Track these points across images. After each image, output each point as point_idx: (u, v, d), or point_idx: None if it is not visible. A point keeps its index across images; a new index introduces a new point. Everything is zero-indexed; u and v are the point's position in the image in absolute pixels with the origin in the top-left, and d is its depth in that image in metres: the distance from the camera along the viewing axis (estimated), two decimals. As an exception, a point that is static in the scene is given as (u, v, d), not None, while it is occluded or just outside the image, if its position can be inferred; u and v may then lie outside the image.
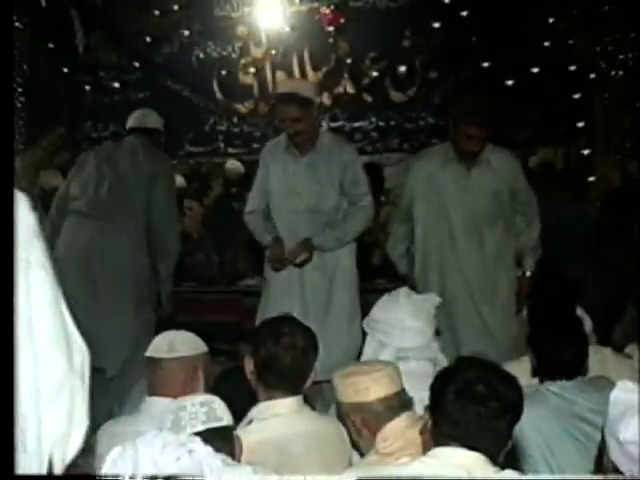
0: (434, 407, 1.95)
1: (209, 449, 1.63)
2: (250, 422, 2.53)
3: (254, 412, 2.55)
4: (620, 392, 1.71)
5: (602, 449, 1.72)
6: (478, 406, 1.87)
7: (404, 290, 2.88)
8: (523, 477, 2.30)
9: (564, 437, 2.79)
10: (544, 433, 2.75)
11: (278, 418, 2.51)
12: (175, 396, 2.65)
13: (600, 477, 1.77)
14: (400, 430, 2.25)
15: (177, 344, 2.81)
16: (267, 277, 4.15)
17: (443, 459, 1.89)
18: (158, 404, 2.66)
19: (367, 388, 2.31)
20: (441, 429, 1.92)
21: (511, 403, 1.89)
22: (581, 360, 2.93)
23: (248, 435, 2.45)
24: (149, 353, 2.81)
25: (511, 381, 1.94)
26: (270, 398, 2.54)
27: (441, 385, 1.94)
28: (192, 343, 2.84)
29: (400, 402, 2.37)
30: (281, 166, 4.09)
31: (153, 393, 2.78)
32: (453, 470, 1.85)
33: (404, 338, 2.75)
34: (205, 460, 1.56)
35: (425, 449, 1.99)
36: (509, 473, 1.96)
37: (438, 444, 1.92)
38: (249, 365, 2.59)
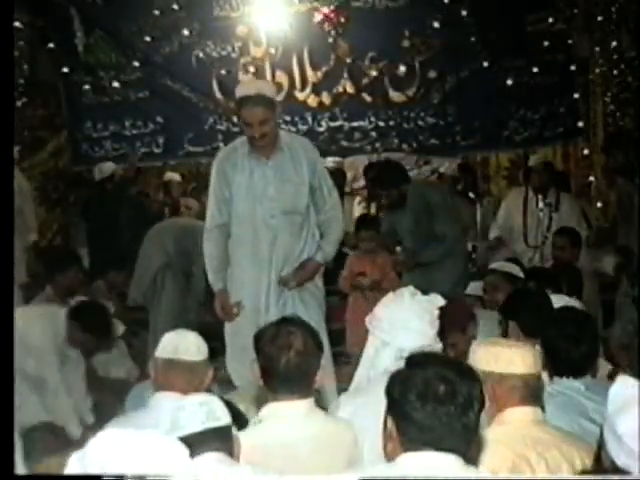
0: (397, 413, 1.88)
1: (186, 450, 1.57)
2: (259, 422, 2.52)
3: (264, 412, 2.53)
4: (620, 387, 1.70)
5: (601, 444, 1.71)
6: (446, 406, 1.81)
7: (409, 289, 2.84)
8: (522, 477, 2.30)
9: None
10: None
11: (287, 420, 2.49)
12: (187, 393, 2.67)
13: (600, 477, 1.76)
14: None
15: (202, 346, 2.86)
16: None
17: (416, 465, 1.83)
18: (168, 399, 2.67)
19: (510, 360, 2.28)
20: (409, 435, 1.85)
21: (474, 394, 1.84)
22: (591, 358, 2.93)
23: (257, 435, 2.45)
24: (175, 355, 2.82)
25: (468, 372, 1.90)
26: (278, 400, 2.52)
27: (400, 390, 1.87)
28: (205, 345, 2.90)
29: (535, 387, 2.40)
30: (245, 173, 3.99)
31: (164, 390, 2.79)
32: (429, 474, 1.81)
33: (406, 338, 2.73)
34: (177, 460, 1.51)
35: (390, 457, 1.92)
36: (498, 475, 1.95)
37: (407, 449, 1.85)
38: (255, 371, 2.57)
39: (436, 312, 2.79)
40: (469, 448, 1.86)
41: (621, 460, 1.57)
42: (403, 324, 2.74)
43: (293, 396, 2.51)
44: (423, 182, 5.98)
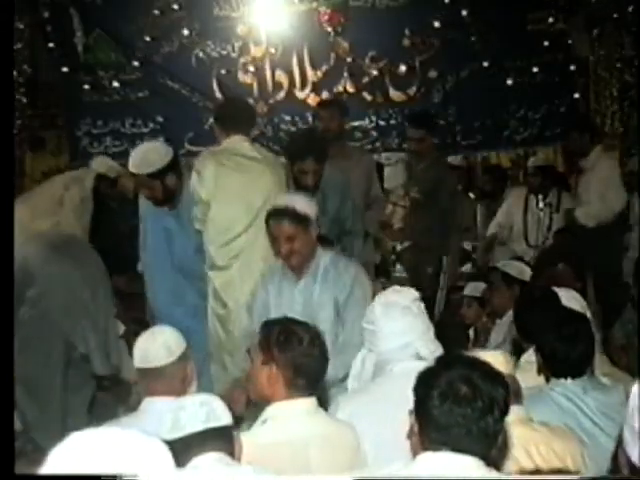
0: (419, 411, 1.91)
1: (152, 443, 1.53)
2: (265, 422, 2.52)
3: (269, 412, 2.53)
4: None
5: (619, 443, 1.72)
6: (464, 408, 1.83)
7: (381, 294, 2.92)
8: (522, 477, 2.31)
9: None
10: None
11: (294, 419, 2.50)
12: (176, 393, 2.66)
13: (593, 476, 1.79)
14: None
15: (172, 345, 2.82)
16: None
17: (433, 465, 1.85)
18: (158, 403, 2.67)
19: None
20: (428, 434, 1.87)
21: (497, 400, 1.85)
22: (588, 358, 2.94)
23: (262, 435, 2.46)
24: (145, 364, 2.81)
25: (494, 377, 1.90)
26: (288, 398, 2.52)
27: (424, 388, 1.90)
28: (179, 338, 2.87)
29: (513, 387, 2.41)
30: (276, 292, 3.73)
31: (152, 394, 2.78)
32: (446, 474, 1.81)
33: (381, 342, 2.78)
34: (141, 455, 1.48)
35: (413, 454, 1.95)
36: (503, 475, 1.96)
37: (426, 449, 1.88)
38: (273, 373, 2.53)
39: (410, 305, 2.79)
40: (488, 453, 1.86)
41: (635, 456, 1.59)
42: (376, 329, 2.80)
43: (304, 394, 2.52)
44: None
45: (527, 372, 3.10)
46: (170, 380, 2.77)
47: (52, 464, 1.41)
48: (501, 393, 1.87)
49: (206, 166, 4.19)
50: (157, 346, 2.80)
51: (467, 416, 1.82)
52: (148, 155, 4.31)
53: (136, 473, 1.34)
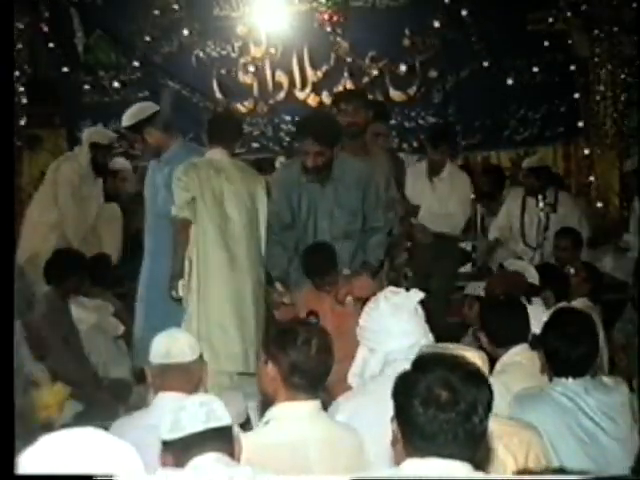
0: (401, 418, 1.85)
1: (123, 445, 1.52)
2: (267, 422, 2.51)
3: (272, 412, 2.52)
4: None
5: None
6: (448, 413, 1.78)
7: (384, 292, 2.90)
8: (519, 477, 2.31)
9: (567, 435, 2.82)
10: (548, 432, 2.75)
11: (297, 421, 2.49)
12: (189, 393, 2.67)
13: (590, 477, 1.78)
14: None
15: (194, 344, 2.91)
16: None
17: (420, 471, 1.81)
18: (171, 398, 2.68)
19: None
20: (413, 442, 1.82)
21: (479, 399, 1.81)
22: (590, 359, 2.95)
23: (264, 436, 2.45)
24: (168, 360, 2.83)
25: (474, 376, 1.85)
26: (291, 399, 2.51)
27: (404, 395, 1.84)
28: (196, 341, 2.96)
29: None
30: None
31: (166, 390, 2.80)
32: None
33: (389, 341, 2.77)
34: (110, 457, 1.46)
35: (397, 461, 1.91)
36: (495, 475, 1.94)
37: (411, 455, 1.83)
38: (271, 371, 2.53)
39: (413, 307, 2.81)
40: (475, 454, 1.83)
41: None
42: (383, 329, 2.78)
43: (308, 396, 2.51)
44: None
45: (509, 374, 3.11)
46: (189, 378, 2.82)
47: (24, 464, 1.40)
48: (483, 391, 1.83)
49: (186, 175, 4.34)
50: (181, 344, 2.86)
51: (451, 421, 1.78)
52: (132, 110, 4.70)
53: (108, 474, 1.34)
